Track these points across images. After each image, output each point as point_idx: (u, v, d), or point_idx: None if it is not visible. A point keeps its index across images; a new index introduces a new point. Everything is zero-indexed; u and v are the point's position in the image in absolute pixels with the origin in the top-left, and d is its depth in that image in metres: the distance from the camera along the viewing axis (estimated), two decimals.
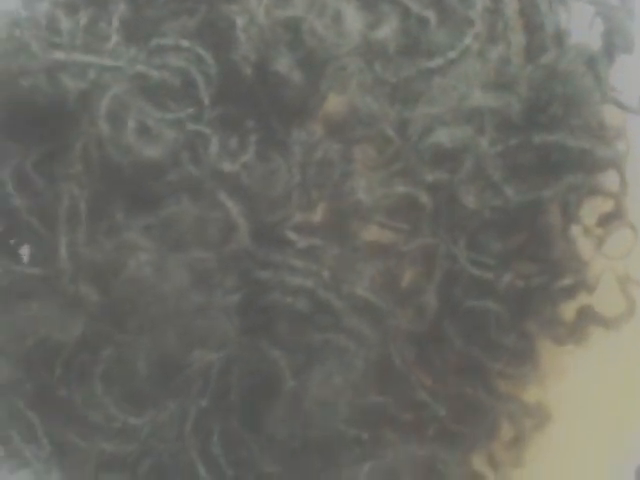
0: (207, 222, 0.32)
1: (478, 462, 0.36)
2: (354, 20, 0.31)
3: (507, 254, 0.33)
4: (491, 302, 0.33)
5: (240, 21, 0.32)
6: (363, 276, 0.32)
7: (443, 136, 0.31)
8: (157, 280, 0.31)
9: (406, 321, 0.33)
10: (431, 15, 0.32)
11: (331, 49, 0.31)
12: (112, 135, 0.31)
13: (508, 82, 0.33)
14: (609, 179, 0.35)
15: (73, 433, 0.34)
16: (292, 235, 0.32)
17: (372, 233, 0.33)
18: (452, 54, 0.32)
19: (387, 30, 0.32)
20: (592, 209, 0.35)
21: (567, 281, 0.34)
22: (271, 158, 0.32)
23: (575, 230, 0.34)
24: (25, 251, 0.36)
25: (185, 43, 0.32)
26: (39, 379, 0.34)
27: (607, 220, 0.35)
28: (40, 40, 0.33)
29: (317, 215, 0.32)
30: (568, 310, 0.35)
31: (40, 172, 0.33)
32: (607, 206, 0.35)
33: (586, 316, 0.35)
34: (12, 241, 0.35)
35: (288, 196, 0.32)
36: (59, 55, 0.32)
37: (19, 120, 0.34)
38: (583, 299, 0.35)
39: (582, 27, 0.39)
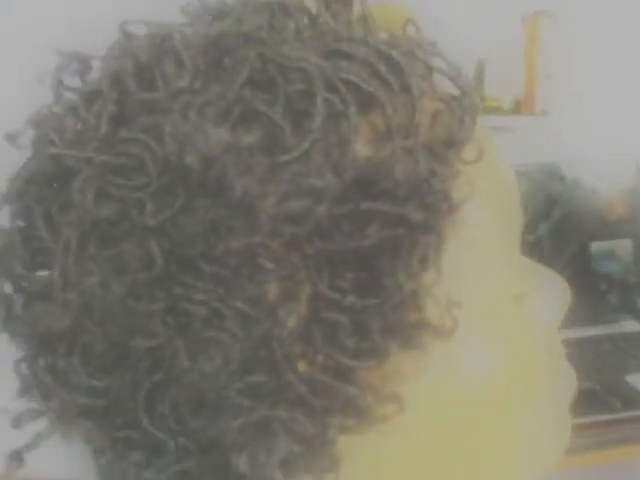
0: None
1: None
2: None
3: (355, 283, 0.47)
4: (339, 315, 0.47)
5: None
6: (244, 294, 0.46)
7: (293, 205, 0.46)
8: (103, 294, 0.47)
9: (279, 327, 0.47)
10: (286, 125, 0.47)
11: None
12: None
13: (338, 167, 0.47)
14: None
15: (61, 390, 0.50)
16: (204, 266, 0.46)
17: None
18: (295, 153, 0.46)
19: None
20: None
21: (393, 302, 0.47)
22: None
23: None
24: None
25: None
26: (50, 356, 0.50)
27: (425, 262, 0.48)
28: None
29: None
30: (405, 324, 0.48)
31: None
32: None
33: (420, 327, 0.49)
34: None
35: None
36: None
37: None
38: (415, 315, 0.49)
39: None
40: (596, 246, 1.88)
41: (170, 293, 0.47)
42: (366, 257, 0.47)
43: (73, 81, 0.53)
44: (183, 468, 0.50)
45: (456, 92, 0.52)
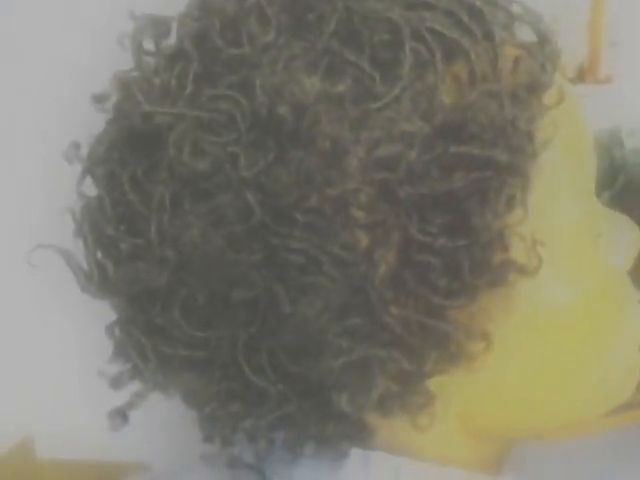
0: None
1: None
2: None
3: (444, 225, 0.48)
4: (430, 257, 0.48)
5: None
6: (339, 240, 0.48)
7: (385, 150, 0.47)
8: (203, 246, 0.48)
9: (373, 271, 0.48)
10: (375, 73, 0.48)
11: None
12: None
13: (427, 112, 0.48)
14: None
15: (161, 345, 0.51)
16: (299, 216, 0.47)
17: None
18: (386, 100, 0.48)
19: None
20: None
21: (481, 242, 0.49)
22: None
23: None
24: None
25: None
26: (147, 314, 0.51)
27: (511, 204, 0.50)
28: None
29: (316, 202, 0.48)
30: (492, 263, 0.50)
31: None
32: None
33: (506, 265, 0.50)
34: None
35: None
36: None
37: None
38: (502, 254, 0.50)
39: None
40: None
41: (267, 243, 0.48)
42: (455, 200, 0.48)
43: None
44: (284, 413, 0.52)
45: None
